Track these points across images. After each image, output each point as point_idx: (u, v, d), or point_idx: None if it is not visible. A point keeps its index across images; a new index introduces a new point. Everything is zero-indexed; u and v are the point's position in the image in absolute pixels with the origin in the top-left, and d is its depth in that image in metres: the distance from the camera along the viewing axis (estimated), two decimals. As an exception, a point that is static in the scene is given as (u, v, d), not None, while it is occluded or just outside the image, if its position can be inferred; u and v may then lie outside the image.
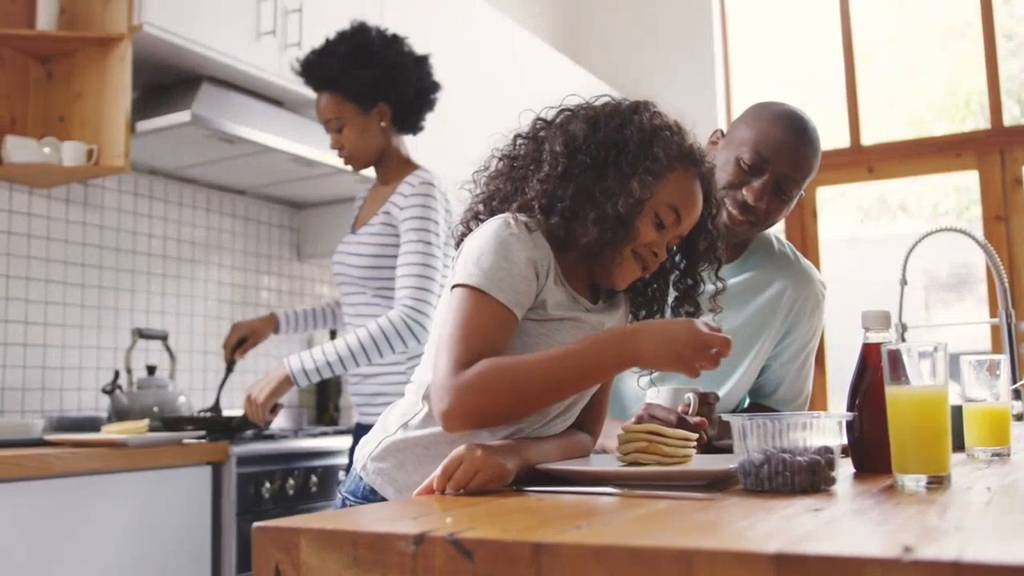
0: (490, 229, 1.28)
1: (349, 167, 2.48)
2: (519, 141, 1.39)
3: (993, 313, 4.16)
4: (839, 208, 7.53)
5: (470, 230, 1.36)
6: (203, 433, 2.34)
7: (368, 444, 1.40)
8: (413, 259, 2.26)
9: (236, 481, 2.29)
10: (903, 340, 2.78)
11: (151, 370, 2.72)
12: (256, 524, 0.92)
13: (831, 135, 4.84)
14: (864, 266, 6.42)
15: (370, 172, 2.56)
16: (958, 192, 7.18)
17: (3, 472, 1.87)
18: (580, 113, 1.35)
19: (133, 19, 2.52)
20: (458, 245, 1.37)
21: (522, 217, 1.30)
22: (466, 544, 0.80)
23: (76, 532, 1.98)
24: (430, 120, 2.55)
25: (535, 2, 4.94)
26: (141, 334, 2.74)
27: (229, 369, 2.63)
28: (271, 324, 2.69)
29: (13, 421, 2.27)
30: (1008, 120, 4.44)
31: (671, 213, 1.33)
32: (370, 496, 1.36)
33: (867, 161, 4.62)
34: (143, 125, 2.60)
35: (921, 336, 4.96)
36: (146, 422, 2.22)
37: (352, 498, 1.38)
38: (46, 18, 2.60)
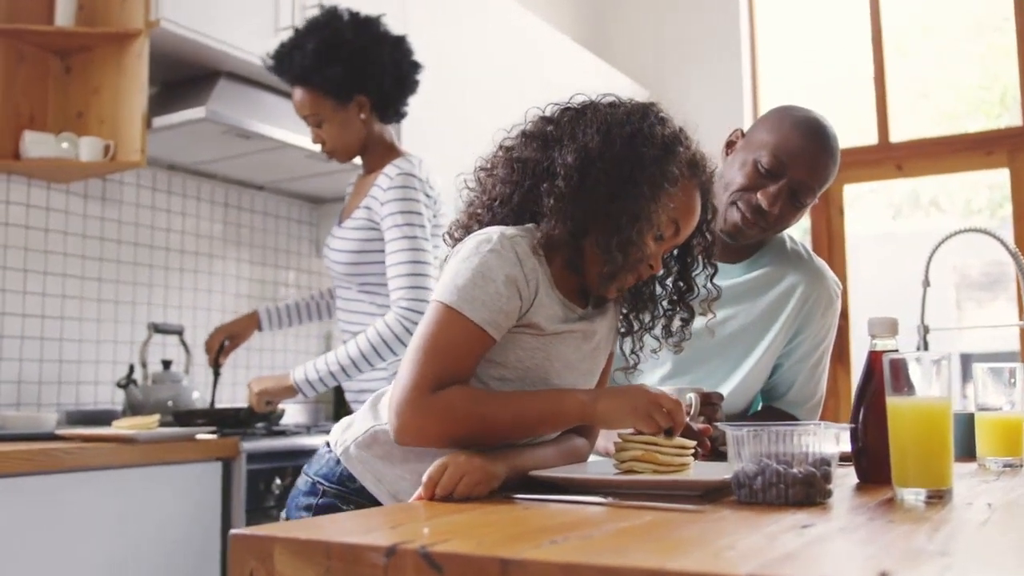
0: (472, 245, 1.25)
1: (334, 160, 2.43)
2: (525, 141, 1.35)
3: (1023, 315, 4.08)
4: (869, 204, 7.42)
5: (468, 231, 1.34)
6: (213, 428, 2.34)
7: (352, 428, 1.36)
8: (402, 257, 2.20)
9: (246, 477, 2.29)
10: (925, 343, 2.72)
11: (166, 365, 2.73)
12: (232, 531, 0.91)
13: (860, 132, 4.77)
14: (894, 264, 6.33)
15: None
16: (991, 189, 7.06)
17: (13, 467, 1.88)
18: (588, 115, 1.31)
19: (150, 15, 2.52)
20: (453, 244, 1.34)
21: (510, 232, 1.27)
22: (436, 558, 0.79)
23: (85, 527, 1.99)
24: (452, 118, 2.50)
25: (560, -4, 4.91)
26: (157, 328, 2.75)
27: (216, 373, 2.61)
28: (253, 323, 2.65)
29: (27, 415, 2.29)
30: (1040, 116, 4.35)
31: (671, 226, 1.31)
32: (347, 483, 1.32)
33: (896, 158, 4.55)
34: (159, 121, 2.60)
35: (945, 339, 4.88)
36: (156, 417, 2.22)
37: (326, 482, 1.34)
38: (64, 14, 2.61)
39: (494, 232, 1.26)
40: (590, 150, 1.27)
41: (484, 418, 1.20)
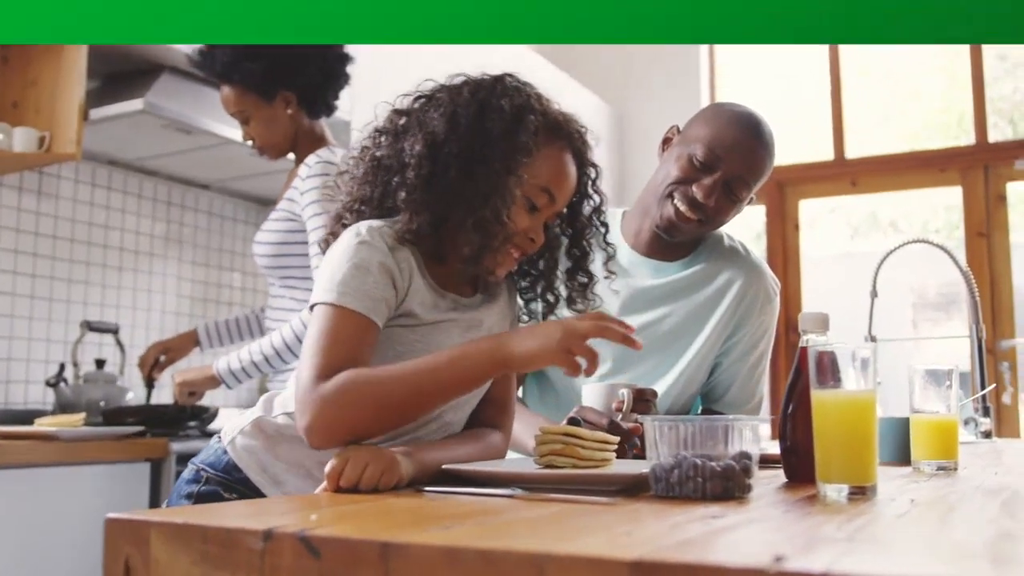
0: (343, 241, 1.23)
1: (265, 157, 2.37)
2: (379, 138, 1.31)
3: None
4: (828, 224, 7.49)
5: (335, 236, 1.30)
6: (141, 429, 2.27)
7: (241, 418, 1.33)
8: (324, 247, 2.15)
9: (175, 478, 2.22)
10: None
11: (100, 364, 2.65)
12: (108, 516, 0.85)
13: (816, 148, 4.79)
14: (851, 282, 6.37)
15: None
16: (948, 211, 7.13)
17: (-77, 463, 1.81)
18: (436, 100, 1.28)
19: (91, 4, 2.46)
20: (324, 251, 1.30)
21: (376, 223, 1.25)
22: (314, 542, 0.74)
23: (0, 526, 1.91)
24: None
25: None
26: (90, 327, 2.67)
27: (149, 387, 2.54)
28: (191, 340, 2.57)
29: (-54, 411, 2.21)
30: (993, 137, 4.39)
31: (543, 195, 1.26)
32: (232, 472, 1.28)
33: (851, 174, 4.57)
34: (97, 112, 2.54)
35: (901, 355, 4.90)
36: (81, 416, 2.15)
37: (210, 470, 1.30)
38: (2, 1, 2.54)
39: (362, 225, 1.24)
40: (437, 135, 1.23)
41: (385, 391, 1.13)
